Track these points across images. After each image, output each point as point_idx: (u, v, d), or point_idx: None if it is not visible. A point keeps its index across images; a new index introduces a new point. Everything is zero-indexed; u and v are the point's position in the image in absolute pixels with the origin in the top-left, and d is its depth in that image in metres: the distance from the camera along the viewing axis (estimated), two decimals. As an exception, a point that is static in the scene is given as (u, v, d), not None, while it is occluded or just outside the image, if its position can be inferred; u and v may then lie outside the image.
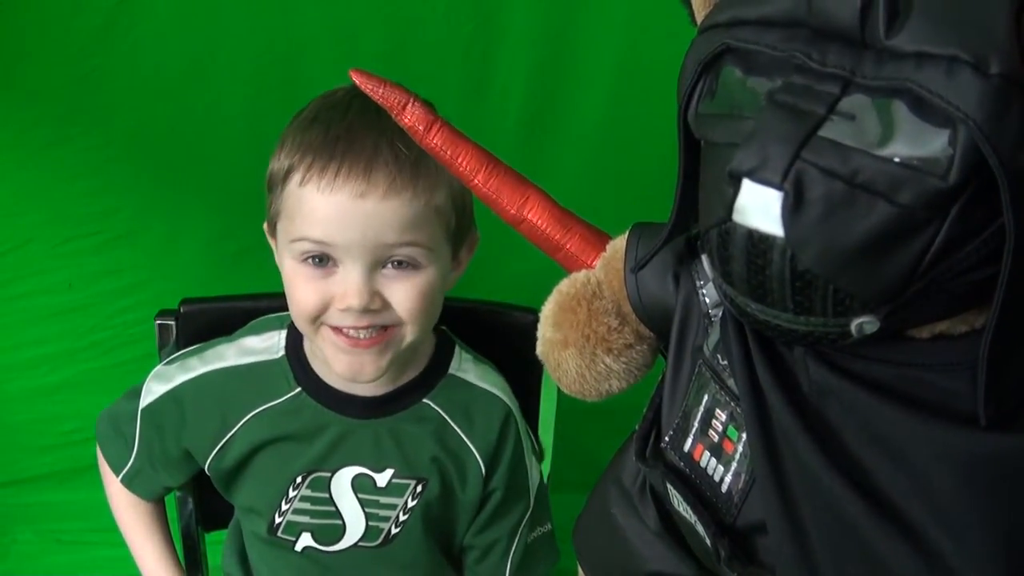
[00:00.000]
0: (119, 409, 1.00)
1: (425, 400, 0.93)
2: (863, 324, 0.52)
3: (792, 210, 0.48)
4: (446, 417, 0.94)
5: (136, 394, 0.97)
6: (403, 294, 0.85)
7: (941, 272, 0.50)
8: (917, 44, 0.47)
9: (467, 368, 0.96)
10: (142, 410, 0.96)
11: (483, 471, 0.95)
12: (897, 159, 0.47)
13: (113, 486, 1.01)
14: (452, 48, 1.26)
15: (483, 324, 1.02)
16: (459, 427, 0.94)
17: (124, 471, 0.99)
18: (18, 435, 1.49)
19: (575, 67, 1.28)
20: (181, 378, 0.95)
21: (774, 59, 0.51)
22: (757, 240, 0.50)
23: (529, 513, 0.99)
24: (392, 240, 0.83)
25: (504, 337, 0.99)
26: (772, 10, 0.51)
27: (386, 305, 0.85)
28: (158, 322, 1.02)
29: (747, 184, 0.49)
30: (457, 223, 0.88)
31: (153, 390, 0.96)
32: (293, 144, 0.86)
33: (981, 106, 0.46)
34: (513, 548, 0.99)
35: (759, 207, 0.49)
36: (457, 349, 0.96)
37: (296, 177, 0.84)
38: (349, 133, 0.84)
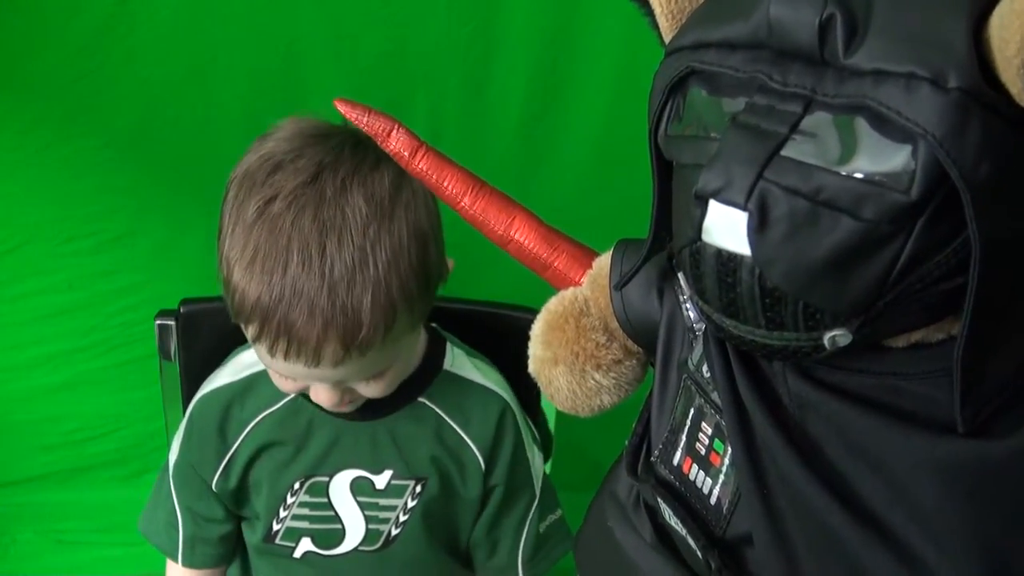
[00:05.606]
0: (153, 497, 1.01)
1: (421, 399, 0.93)
2: (835, 337, 0.52)
3: (757, 229, 0.48)
4: (442, 415, 0.94)
5: (164, 471, 0.99)
6: (376, 389, 0.87)
7: (910, 284, 0.50)
8: (875, 62, 0.47)
9: (461, 363, 0.96)
10: (172, 473, 0.97)
11: (483, 467, 0.95)
12: (860, 175, 0.47)
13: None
14: (452, 48, 1.24)
15: (483, 325, 1.02)
16: (456, 424, 0.94)
17: (180, 550, 0.99)
18: (18, 435, 1.47)
19: (575, 68, 1.26)
20: (188, 414, 0.96)
21: (738, 80, 0.51)
22: (726, 259, 0.51)
23: (536, 503, 0.99)
24: (357, 379, 0.85)
25: (504, 338, 0.98)
26: (734, 32, 0.51)
27: (360, 394, 0.87)
28: (158, 322, 1.01)
29: (713, 205, 0.50)
30: (421, 302, 0.84)
31: (172, 449, 0.97)
32: (237, 269, 0.79)
33: (941, 121, 0.46)
34: (522, 541, 0.99)
35: (726, 227, 0.50)
36: (448, 345, 0.96)
37: (242, 319, 0.81)
38: (289, 314, 0.77)
